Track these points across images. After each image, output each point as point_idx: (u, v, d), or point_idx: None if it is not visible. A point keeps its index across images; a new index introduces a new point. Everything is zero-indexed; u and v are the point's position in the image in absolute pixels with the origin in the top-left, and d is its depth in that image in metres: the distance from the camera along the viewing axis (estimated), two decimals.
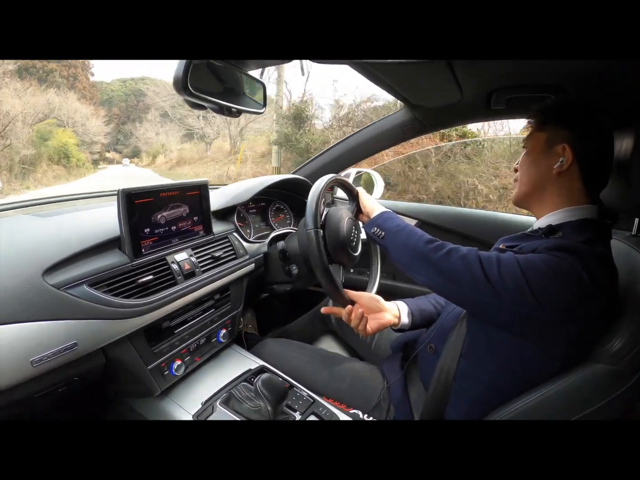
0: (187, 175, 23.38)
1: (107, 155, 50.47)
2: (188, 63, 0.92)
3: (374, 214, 1.32)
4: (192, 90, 0.94)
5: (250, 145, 22.01)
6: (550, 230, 1.09)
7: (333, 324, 1.89)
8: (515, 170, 1.25)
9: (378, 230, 1.25)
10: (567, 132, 1.10)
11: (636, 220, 1.29)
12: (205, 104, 1.03)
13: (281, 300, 2.40)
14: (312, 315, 2.00)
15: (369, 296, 1.37)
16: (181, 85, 0.92)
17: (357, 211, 1.44)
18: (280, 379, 1.35)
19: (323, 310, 1.36)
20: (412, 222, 2.29)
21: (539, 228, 1.14)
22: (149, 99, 40.15)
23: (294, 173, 2.30)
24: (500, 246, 1.16)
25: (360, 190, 1.43)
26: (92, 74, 52.70)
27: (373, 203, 1.38)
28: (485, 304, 1.01)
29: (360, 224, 1.48)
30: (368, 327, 1.32)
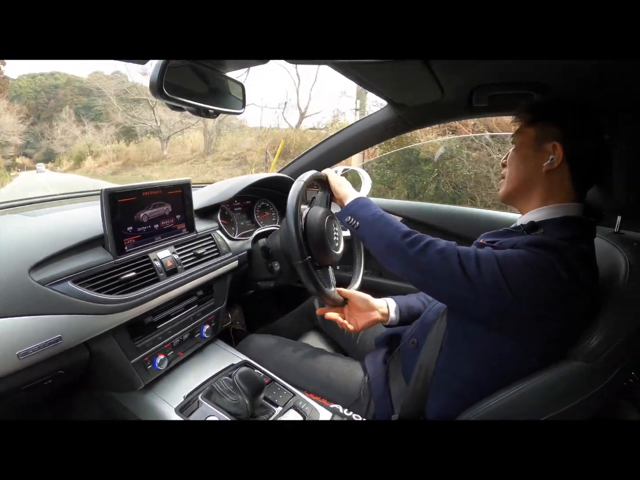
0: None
1: (17, 160, 40.97)
2: (163, 66, 0.94)
3: (347, 200, 1.32)
4: (167, 93, 0.96)
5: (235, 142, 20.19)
6: (532, 226, 1.10)
7: (319, 320, 1.91)
8: (503, 166, 1.25)
9: (352, 219, 1.25)
10: (557, 130, 1.10)
11: (618, 218, 1.30)
12: (182, 106, 1.06)
13: (268, 297, 2.42)
14: (299, 312, 2.03)
15: (359, 297, 1.43)
16: (156, 88, 0.94)
17: (331, 197, 1.46)
18: (259, 373, 1.39)
19: (318, 312, 1.43)
20: (397, 219, 2.30)
21: (521, 225, 1.15)
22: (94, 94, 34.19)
23: (280, 172, 2.33)
24: (481, 241, 1.18)
25: (329, 172, 1.43)
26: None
27: (346, 188, 1.37)
28: (463, 298, 1.02)
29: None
30: (358, 323, 1.40)
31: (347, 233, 1.67)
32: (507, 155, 1.24)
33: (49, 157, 41.18)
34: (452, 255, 1.03)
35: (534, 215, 1.14)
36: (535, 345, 1.02)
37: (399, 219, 2.27)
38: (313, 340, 1.87)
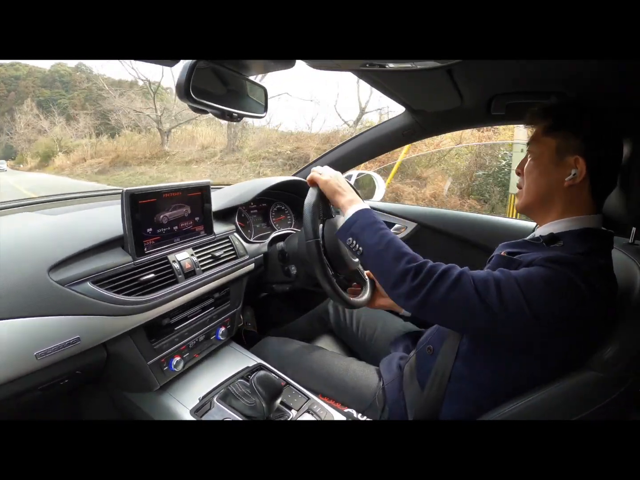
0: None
1: None
2: (191, 68, 0.94)
3: (346, 212, 1.24)
4: (194, 96, 0.97)
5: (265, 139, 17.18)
6: (552, 238, 1.09)
7: (332, 323, 1.90)
8: (518, 174, 1.23)
9: (355, 243, 1.18)
10: (579, 142, 1.07)
11: (633, 229, 1.29)
12: (207, 109, 1.06)
13: (281, 299, 2.42)
14: (312, 315, 2.02)
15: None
16: (183, 90, 0.95)
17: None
18: (276, 377, 1.39)
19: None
20: (411, 225, 2.34)
21: (540, 236, 1.13)
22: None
23: (294, 175, 2.34)
24: (502, 253, 1.14)
25: (317, 177, 1.32)
26: None
27: (343, 196, 1.27)
28: (482, 328, 1.00)
29: None
30: (376, 301, 1.52)
31: None
32: (521, 164, 1.22)
33: (9, 154, 34.79)
34: (469, 288, 0.99)
35: (553, 227, 1.13)
36: (553, 356, 1.02)
37: (412, 225, 2.27)
38: (326, 343, 1.85)
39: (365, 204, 1.25)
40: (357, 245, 1.17)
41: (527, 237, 1.22)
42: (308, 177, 1.35)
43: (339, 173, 1.34)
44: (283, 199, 2.14)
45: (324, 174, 1.32)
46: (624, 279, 1.06)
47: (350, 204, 1.24)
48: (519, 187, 1.23)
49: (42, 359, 0.95)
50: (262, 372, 1.21)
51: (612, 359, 0.95)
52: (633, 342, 0.96)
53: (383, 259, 1.11)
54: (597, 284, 0.94)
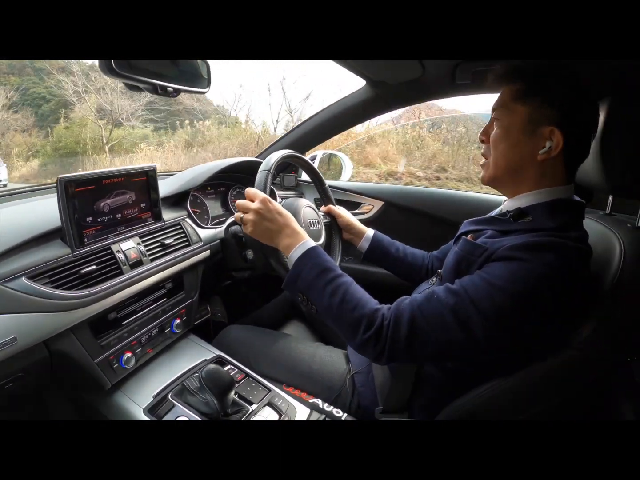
0: None
1: None
2: None
3: (286, 256, 1.17)
4: (118, 70, 0.90)
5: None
6: (519, 213, 1.06)
7: (303, 309, 1.87)
8: (482, 142, 1.16)
9: (305, 299, 1.12)
10: (554, 112, 1.01)
11: (610, 198, 1.29)
12: (138, 84, 1.00)
13: (249, 286, 2.39)
14: (281, 300, 2.00)
15: (345, 219, 1.65)
16: (105, 64, 0.88)
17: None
18: (232, 368, 1.37)
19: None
20: (378, 204, 2.32)
21: (507, 211, 1.10)
22: None
23: (257, 157, 2.30)
24: (468, 237, 1.12)
25: (244, 217, 1.21)
26: None
27: (270, 229, 1.17)
28: (464, 355, 1.00)
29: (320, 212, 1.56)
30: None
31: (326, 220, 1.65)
32: (486, 130, 1.15)
33: None
34: (426, 327, 0.96)
35: (520, 200, 1.09)
36: (531, 341, 0.98)
37: (380, 203, 2.26)
38: (295, 329, 1.84)
39: (307, 241, 1.16)
40: (309, 303, 1.11)
41: (494, 212, 1.20)
42: (235, 216, 1.26)
43: (263, 200, 1.18)
44: (242, 182, 2.09)
45: (246, 219, 1.19)
46: (602, 251, 1.05)
47: (289, 249, 1.15)
48: (484, 156, 1.16)
49: None
50: (210, 366, 1.17)
51: (592, 336, 0.93)
52: (612, 317, 0.94)
53: (340, 327, 1.06)
54: (577, 264, 0.93)
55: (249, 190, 1.22)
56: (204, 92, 1.24)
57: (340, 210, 1.67)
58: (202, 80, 1.24)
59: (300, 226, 1.21)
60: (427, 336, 0.96)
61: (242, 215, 1.20)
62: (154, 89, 1.03)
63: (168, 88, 1.06)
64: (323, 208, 1.68)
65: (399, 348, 0.97)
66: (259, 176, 1.29)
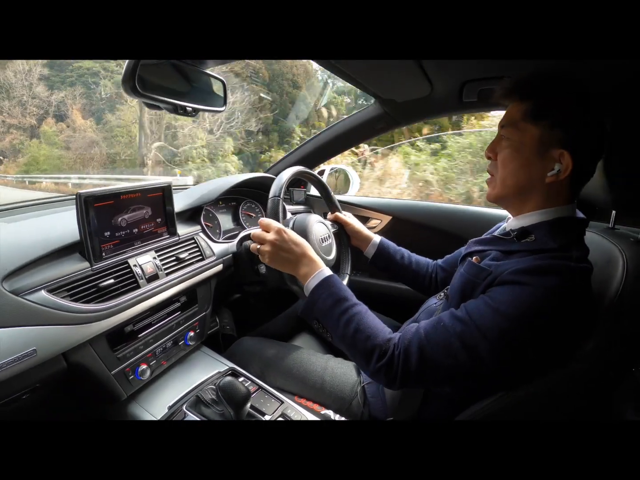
0: None
1: None
2: (135, 63, 0.90)
3: (304, 284, 1.19)
4: (141, 91, 0.92)
5: None
6: (522, 233, 1.06)
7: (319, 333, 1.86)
8: (489, 158, 1.15)
9: (321, 326, 1.15)
10: (565, 135, 0.99)
11: (613, 212, 1.28)
12: (158, 104, 1.02)
13: (258, 299, 2.40)
14: (290, 313, 2.00)
15: (352, 227, 1.67)
16: (129, 85, 0.90)
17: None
18: (245, 381, 1.37)
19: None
20: (386, 219, 2.33)
21: (510, 230, 1.10)
22: None
23: (266, 172, 2.31)
24: (474, 259, 1.12)
25: (257, 251, 1.25)
26: None
27: (287, 259, 1.20)
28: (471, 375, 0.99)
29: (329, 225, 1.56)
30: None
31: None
32: (493, 146, 1.13)
33: None
34: (435, 355, 0.97)
35: (524, 219, 1.09)
36: (537, 358, 0.97)
37: (387, 218, 2.26)
38: (305, 341, 1.84)
39: (323, 270, 1.18)
40: (325, 330, 1.14)
41: (498, 231, 1.20)
42: (251, 247, 1.27)
43: (279, 231, 1.21)
44: (253, 196, 2.10)
45: (262, 250, 1.22)
46: (605, 265, 1.06)
47: (306, 278, 1.18)
48: (491, 173, 1.15)
49: None
50: (227, 379, 1.17)
51: (597, 349, 0.93)
52: (616, 330, 0.95)
53: (354, 355, 1.08)
54: (573, 282, 0.92)
55: (263, 220, 1.25)
56: (220, 111, 1.25)
57: (347, 218, 1.70)
58: (218, 99, 1.26)
59: (313, 243, 1.27)
60: (436, 364, 0.97)
61: (258, 246, 1.23)
62: (174, 109, 1.05)
63: (187, 108, 1.07)
64: (330, 216, 1.70)
65: (410, 376, 0.99)
66: (270, 204, 1.30)
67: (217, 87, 1.26)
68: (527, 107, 1.04)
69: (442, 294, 1.32)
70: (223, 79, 1.28)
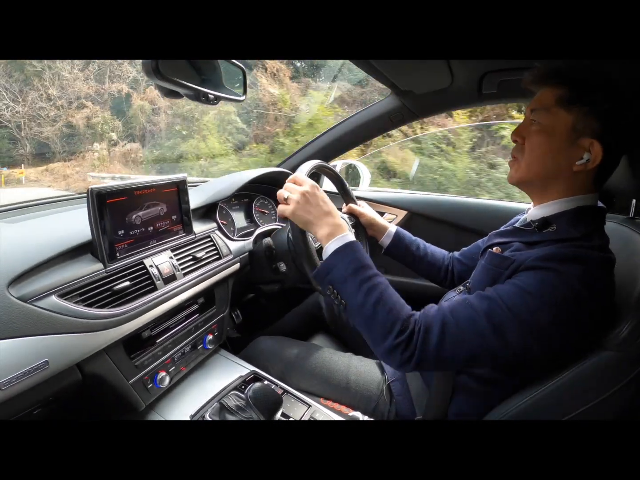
0: None
1: None
2: None
3: (323, 246, 1.10)
4: (164, 73, 0.85)
5: None
6: (543, 223, 1.03)
7: (326, 319, 1.84)
8: (515, 142, 1.10)
9: (335, 292, 1.05)
10: (598, 124, 0.96)
11: (633, 201, 1.26)
12: (179, 90, 0.95)
13: (268, 298, 2.33)
14: (303, 311, 1.97)
15: (367, 217, 1.63)
16: (151, 66, 0.83)
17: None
18: (273, 388, 1.29)
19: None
20: (402, 213, 2.28)
21: (531, 221, 1.08)
22: None
23: (278, 166, 2.25)
24: (494, 249, 1.10)
25: (281, 211, 1.16)
26: None
27: (309, 218, 1.11)
28: (489, 359, 0.97)
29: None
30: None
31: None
32: (520, 130, 1.09)
33: None
34: (457, 335, 0.94)
35: (545, 209, 1.06)
36: (562, 348, 0.95)
37: (403, 213, 2.20)
38: (322, 341, 1.80)
39: (348, 234, 1.10)
40: (339, 297, 1.04)
41: (518, 222, 1.18)
42: (278, 194, 1.18)
43: (312, 186, 1.14)
44: (265, 192, 2.04)
45: (291, 198, 1.13)
46: (628, 255, 1.06)
47: (327, 238, 1.08)
48: (514, 156, 1.11)
49: (6, 389, 0.82)
50: (257, 385, 1.11)
51: (630, 336, 0.91)
52: None
53: (370, 327, 1.01)
54: (597, 271, 0.91)
55: (298, 175, 1.19)
56: (241, 100, 1.18)
57: (362, 209, 1.64)
58: (239, 87, 1.19)
59: None
60: (459, 341, 0.94)
61: (287, 194, 1.14)
62: (196, 96, 0.98)
63: (209, 95, 1.00)
64: (345, 208, 1.65)
65: (429, 353, 0.94)
66: (303, 168, 1.25)
67: (236, 76, 1.20)
68: (563, 93, 1.00)
69: (462, 287, 1.29)
70: (243, 67, 1.22)
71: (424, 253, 1.61)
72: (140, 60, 0.84)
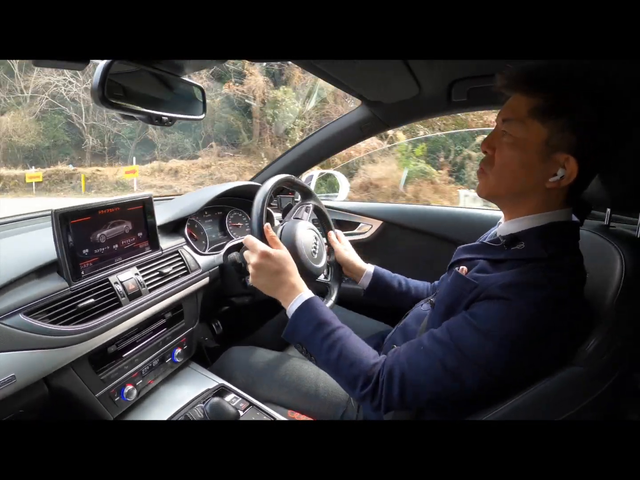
0: None
1: None
2: (105, 69, 0.87)
3: (286, 304, 1.16)
4: (112, 100, 0.89)
5: None
6: (512, 240, 1.00)
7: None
8: (485, 152, 1.05)
9: (304, 349, 1.13)
10: (575, 139, 0.91)
11: (608, 210, 1.26)
12: (132, 114, 0.99)
13: (247, 309, 2.37)
14: (278, 321, 1.98)
15: (344, 259, 1.60)
16: (98, 94, 0.87)
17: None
18: (235, 397, 1.35)
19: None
20: (377, 223, 2.31)
21: (500, 237, 1.05)
22: None
23: (252, 180, 2.28)
24: (461, 268, 1.07)
25: (247, 255, 1.22)
26: None
27: (268, 282, 1.19)
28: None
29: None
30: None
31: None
32: (490, 141, 1.03)
33: None
34: (416, 383, 0.97)
35: (515, 224, 1.03)
36: (523, 376, 0.95)
37: (378, 223, 2.24)
38: (296, 351, 1.79)
39: (303, 294, 1.16)
40: (309, 353, 1.12)
41: (487, 237, 1.18)
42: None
43: (260, 254, 1.18)
44: (239, 205, 2.07)
45: (250, 263, 1.21)
46: (603, 265, 1.04)
47: (287, 301, 1.16)
48: (483, 170, 1.06)
49: None
50: (214, 400, 1.15)
51: (597, 351, 0.90)
52: (616, 332, 0.92)
53: (339, 380, 1.09)
54: (563, 295, 0.90)
55: (247, 240, 1.23)
56: (199, 119, 1.23)
57: (338, 246, 1.64)
58: (197, 106, 1.23)
59: (301, 251, 1.30)
60: (420, 389, 0.96)
61: (246, 265, 1.23)
62: (150, 119, 1.01)
63: (163, 117, 1.04)
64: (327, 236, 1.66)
65: (394, 401, 0.98)
66: (253, 222, 1.27)
67: (194, 95, 1.23)
68: (536, 103, 0.94)
69: (427, 304, 1.31)
70: (201, 86, 1.25)
71: (407, 288, 1.60)
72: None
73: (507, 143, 0.98)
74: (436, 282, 1.57)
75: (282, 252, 1.20)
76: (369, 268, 1.61)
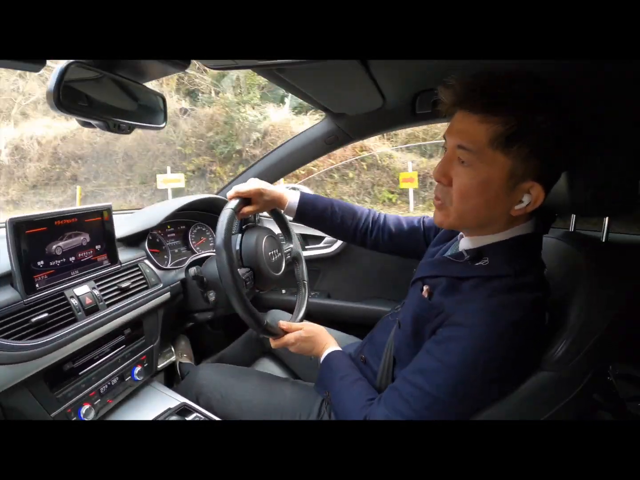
0: None
1: None
2: (61, 73, 0.87)
3: (320, 356, 1.35)
4: (68, 105, 0.89)
5: None
6: (477, 255, 1.00)
7: (270, 344, 1.82)
8: (438, 181, 1.00)
9: (328, 395, 1.26)
10: (538, 163, 0.87)
11: (573, 217, 1.30)
12: (90, 121, 0.99)
13: (214, 326, 2.35)
14: (248, 338, 1.98)
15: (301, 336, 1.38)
16: (53, 99, 0.86)
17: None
18: (198, 417, 1.34)
19: (273, 345, 1.35)
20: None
21: (464, 251, 1.05)
22: None
23: (217, 193, 2.28)
24: (424, 291, 1.08)
25: (285, 325, 1.34)
26: None
27: (309, 346, 1.36)
28: None
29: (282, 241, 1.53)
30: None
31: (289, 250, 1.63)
32: (443, 169, 0.97)
33: None
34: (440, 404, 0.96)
35: (479, 240, 1.03)
36: (495, 392, 0.98)
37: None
38: (266, 366, 1.83)
39: (332, 346, 1.35)
40: (329, 398, 1.24)
41: (449, 251, 1.18)
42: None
43: (298, 337, 1.33)
44: (203, 219, 2.07)
45: (289, 345, 1.33)
46: (569, 271, 1.07)
47: (319, 354, 1.35)
48: (440, 201, 1.01)
49: None
50: (173, 419, 1.13)
51: (564, 356, 0.94)
52: (584, 336, 0.95)
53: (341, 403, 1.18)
54: (527, 315, 0.90)
55: (283, 325, 1.34)
56: (160, 128, 1.23)
57: (247, 186, 1.37)
58: (158, 115, 1.23)
59: (261, 258, 1.41)
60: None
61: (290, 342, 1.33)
62: (107, 126, 1.01)
63: (121, 125, 1.04)
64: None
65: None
66: (218, 255, 1.18)
67: (154, 103, 1.23)
68: (496, 130, 0.86)
69: (399, 307, 1.32)
70: (162, 94, 1.25)
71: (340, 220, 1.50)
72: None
73: (466, 175, 0.93)
74: (390, 220, 1.54)
75: (308, 333, 1.35)
76: (291, 198, 1.44)
